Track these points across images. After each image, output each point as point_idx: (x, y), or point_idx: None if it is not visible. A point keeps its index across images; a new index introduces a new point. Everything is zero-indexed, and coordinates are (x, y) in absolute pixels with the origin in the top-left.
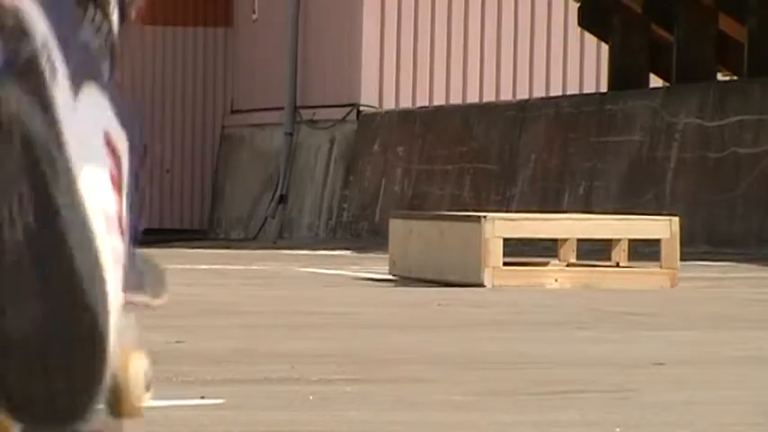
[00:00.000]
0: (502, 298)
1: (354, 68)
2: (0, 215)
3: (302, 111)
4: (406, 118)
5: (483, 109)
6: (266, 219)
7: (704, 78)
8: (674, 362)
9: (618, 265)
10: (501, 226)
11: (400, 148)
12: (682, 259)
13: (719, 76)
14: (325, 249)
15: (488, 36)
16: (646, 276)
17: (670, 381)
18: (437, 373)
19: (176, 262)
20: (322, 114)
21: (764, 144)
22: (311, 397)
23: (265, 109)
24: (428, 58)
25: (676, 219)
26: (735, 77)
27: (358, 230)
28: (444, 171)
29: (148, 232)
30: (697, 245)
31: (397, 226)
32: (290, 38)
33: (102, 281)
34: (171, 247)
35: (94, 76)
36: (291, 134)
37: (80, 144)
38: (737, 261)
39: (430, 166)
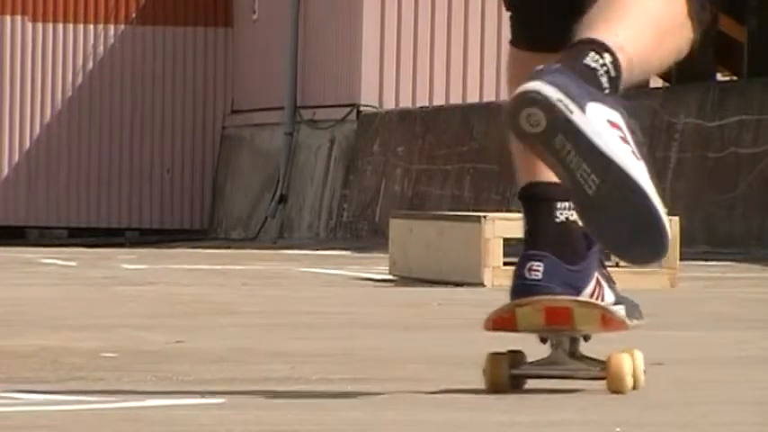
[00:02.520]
0: (502, 298)
1: (354, 68)
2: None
3: (302, 111)
4: (406, 118)
5: (483, 109)
6: (266, 219)
7: (704, 78)
8: (674, 362)
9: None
10: (501, 226)
11: (400, 148)
12: (682, 259)
13: (719, 76)
14: (325, 249)
15: (489, 36)
16: (646, 276)
17: (670, 381)
18: (437, 373)
19: (176, 262)
20: (322, 114)
21: (764, 144)
22: (311, 397)
23: (265, 109)
24: (428, 58)
25: (676, 219)
26: (735, 77)
27: (358, 230)
28: (444, 171)
29: (148, 232)
30: (697, 245)
31: (396, 226)
32: (290, 38)
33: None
34: (171, 247)
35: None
36: (291, 134)
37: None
38: (737, 261)
39: (430, 166)
